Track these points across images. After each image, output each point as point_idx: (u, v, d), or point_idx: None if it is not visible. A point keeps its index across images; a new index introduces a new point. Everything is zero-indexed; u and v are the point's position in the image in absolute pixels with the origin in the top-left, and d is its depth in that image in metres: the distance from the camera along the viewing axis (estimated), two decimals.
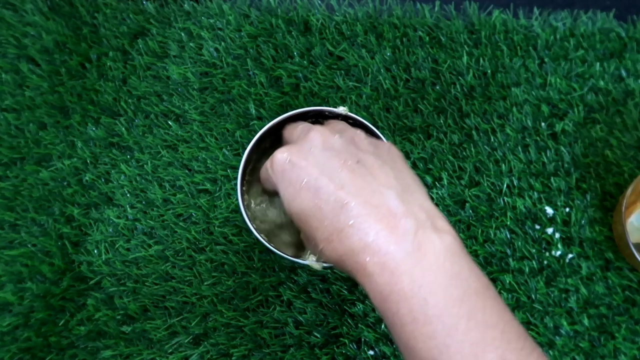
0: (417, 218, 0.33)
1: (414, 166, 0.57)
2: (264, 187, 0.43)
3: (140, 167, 0.57)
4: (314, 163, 0.36)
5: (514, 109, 0.58)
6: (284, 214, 0.52)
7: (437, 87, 0.59)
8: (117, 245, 0.55)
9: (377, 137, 0.47)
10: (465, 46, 0.59)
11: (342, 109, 0.48)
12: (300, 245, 0.52)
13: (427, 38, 0.60)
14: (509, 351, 0.29)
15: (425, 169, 0.57)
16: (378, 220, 0.32)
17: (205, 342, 0.53)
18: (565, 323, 0.53)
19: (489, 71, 0.59)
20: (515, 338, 0.30)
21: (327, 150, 0.37)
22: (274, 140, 0.53)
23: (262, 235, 0.47)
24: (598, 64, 0.59)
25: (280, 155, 0.37)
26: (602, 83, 0.58)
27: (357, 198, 0.33)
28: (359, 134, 0.40)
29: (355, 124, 0.47)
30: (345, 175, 0.35)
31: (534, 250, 0.55)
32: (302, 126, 0.42)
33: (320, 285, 0.54)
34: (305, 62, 0.59)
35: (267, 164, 0.39)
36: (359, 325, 0.53)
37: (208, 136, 0.58)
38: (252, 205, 0.53)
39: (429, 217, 0.33)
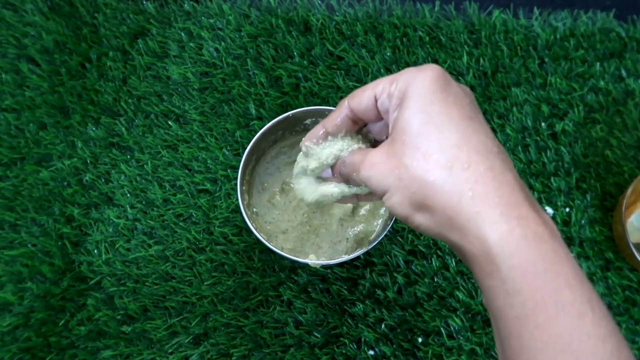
0: (529, 199, 0.29)
1: None
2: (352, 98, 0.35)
3: (140, 167, 0.57)
4: (464, 97, 0.32)
5: (514, 109, 0.58)
6: (287, 220, 0.53)
7: None
8: (117, 245, 0.55)
9: None
10: (465, 46, 0.59)
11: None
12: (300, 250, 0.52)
13: (427, 38, 0.60)
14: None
15: None
16: (522, 191, 0.29)
17: (205, 342, 0.53)
18: None
19: (489, 71, 0.59)
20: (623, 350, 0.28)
21: (465, 95, 0.32)
22: (274, 140, 0.53)
23: (262, 235, 0.47)
24: (598, 64, 0.59)
25: (436, 66, 0.32)
26: (602, 83, 0.58)
27: (506, 160, 0.30)
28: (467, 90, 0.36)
29: None
30: (485, 126, 0.31)
31: None
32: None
33: (320, 285, 0.54)
34: (305, 62, 0.59)
35: (393, 76, 0.32)
36: (359, 325, 0.53)
37: (208, 136, 0.58)
38: (256, 208, 0.53)
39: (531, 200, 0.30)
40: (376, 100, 0.33)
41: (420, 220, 0.31)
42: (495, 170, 0.29)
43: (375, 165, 0.32)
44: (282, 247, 0.52)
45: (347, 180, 0.37)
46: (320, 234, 0.52)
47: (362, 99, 0.34)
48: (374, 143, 0.38)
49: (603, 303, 0.28)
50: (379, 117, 0.34)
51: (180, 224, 0.56)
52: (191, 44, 0.60)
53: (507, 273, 0.27)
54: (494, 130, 0.58)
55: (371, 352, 0.53)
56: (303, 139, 0.38)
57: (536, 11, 0.61)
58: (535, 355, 0.27)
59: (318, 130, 0.37)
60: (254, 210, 0.53)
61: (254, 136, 0.48)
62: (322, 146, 0.37)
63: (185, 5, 0.61)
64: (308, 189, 0.40)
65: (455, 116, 0.30)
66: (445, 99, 0.30)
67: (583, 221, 0.55)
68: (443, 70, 0.31)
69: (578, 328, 0.27)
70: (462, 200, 0.28)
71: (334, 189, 0.39)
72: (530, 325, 0.27)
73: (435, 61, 0.59)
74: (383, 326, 0.53)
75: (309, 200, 0.40)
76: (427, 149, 0.29)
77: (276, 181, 0.54)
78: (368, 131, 0.38)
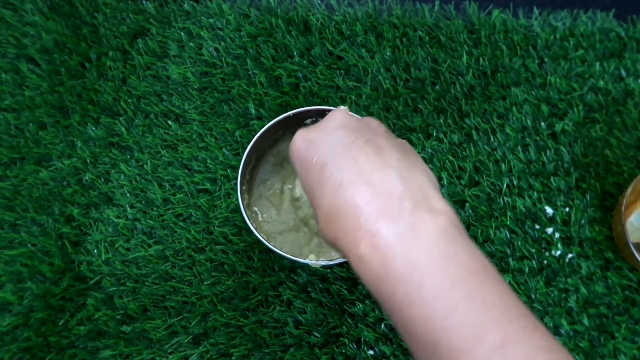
0: (414, 198, 0.32)
1: None
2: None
3: (140, 167, 0.57)
4: (327, 141, 0.36)
5: (514, 109, 0.58)
6: (290, 220, 0.53)
7: (437, 87, 0.59)
8: (117, 245, 0.55)
9: None
10: (465, 46, 0.59)
11: (342, 109, 0.48)
12: (300, 249, 0.52)
13: (427, 38, 0.60)
14: (511, 331, 0.28)
15: None
16: (374, 200, 0.32)
17: (205, 342, 0.53)
18: (565, 323, 0.53)
19: (489, 71, 0.59)
20: (517, 317, 0.29)
21: (341, 129, 0.36)
22: (274, 140, 0.53)
23: (262, 235, 0.47)
24: (598, 64, 0.59)
25: (299, 135, 0.38)
26: (602, 83, 0.58)
27: (357, 177, 0.33)
28: (379, 122, 0.40)
29: None
30: (352, 153, 0.34)
31: (534, 250, 0.55)
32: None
33: (320, 285, 0.54)
34: (305, 62, 0.59)
35: (290, 146, 0.39)
36: (359, 325, 0.53)
37: (208, 136, 0.58)
38: (256, 208, 0.53)
39: (427, 198, 0.32)
40: None
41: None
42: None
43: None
44: (281, 247, 0.52)
45: None
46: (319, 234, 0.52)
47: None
48: None
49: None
50: None
51: (180, 224, 0.56)
52: (191, 44, 0.60)
53: (366, 282, 0.34)
54: (493, 130, 0.58)
55: (371, 352, 0.53)
56: None
57: (536, 11, 0.61)
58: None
59: None
60: (254, 210, 0.53)
61: (254, 136, 0.49)
62: None
63: (185, 5, 0.61)
64: None
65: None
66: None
67: (583, 221, 0.55)
68: (304, 134, 0.38)
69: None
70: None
71: None
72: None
73: (435, 61, 0.59)
74: (383, 326, 0.53)
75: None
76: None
77: (276, 181, 0.54)
78: None
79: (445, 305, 0.29)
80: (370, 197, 0.32)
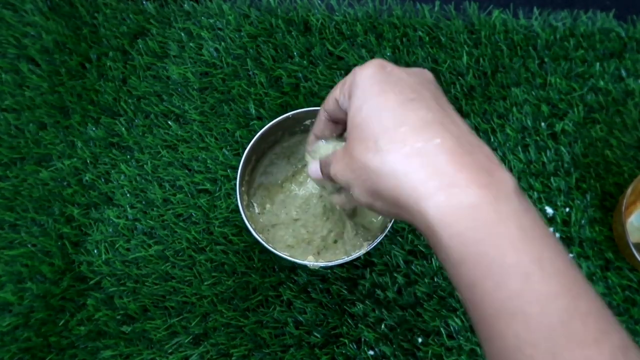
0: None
1: None
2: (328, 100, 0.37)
3: (140, 167, 0.57)
4: (414, 82, 0.32)
5: (514, 109, 0.58)
6: (288, 214, 0.53)
7: None
8: (117, 245, 0.55)
9: None
10: (465, 46, 0.59)
11: None
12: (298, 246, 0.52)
13: (427, 38, 0.60)
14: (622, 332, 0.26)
15: None
16: (471, 155, 0.29)
17: (205, 342, 0.53)
18: None
19: (489, 71, 0.59)
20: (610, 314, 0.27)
21: (429, 79, 0.33)
22: (273, 141, 0.53)
23: (260, 235, 0.47)
24: (598, 64, 0.59)
25: (375, 60, 0.33)
26: (602, 83, 0.58)
27: (454, 122, 0.30)
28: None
29: None
30: (446, 102, 0.32)
31: None
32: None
33: (320, 285, 0.54)
34: (305, 62, 0.59)
35: (347, 78, 0.34)
36: (359, 325, 0.53)
37: (208, 136, 0.58)
38: (254, 202, 0.53)
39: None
40: (338, 102, 0.36)
41: (379, 206, 0.32)
42: (432, 142, 0.29)
43: (337, 162, 0.34)
44: (281, 247, 0.52)
45: (330, 179, 0.37)
46: (319, 234, 0.52)
47: (329, 102, 0.37)
48: None
49: (560, 258, 0.27)
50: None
51: (180, 224, 0.56)
52: (191, 44, 0.60)
53: (448, 243, 0.27)
54: (493, 130, 0.58)
55: (371, 352, 0.53)
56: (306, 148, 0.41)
57: (536, 11, 0.61)
58: (492, 322, 0.27)
59: (311, 137, 0.40)
60: (252, 202, 0.53)
61: (253, 136, 0.49)
62: (317, 147, 0.40)
63: (185, 5, 0.61)
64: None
65: (392, 102, 0.31)
66: (382, 89, 0.31)
67: (583, 221, 0.55)
68: (382, 62, 0.33)
69: (525, 289, 0.26)
70: (399, 180, 0.29)
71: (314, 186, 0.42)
72: (479, 293, 0.27)
73: (435, 61, 0.59)
74: (383, 326, 0.53)
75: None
76: (368, 139, 0.31)
77: (276, 181, 0.54)
78: None
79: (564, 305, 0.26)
80: (469, 149, 0.29)
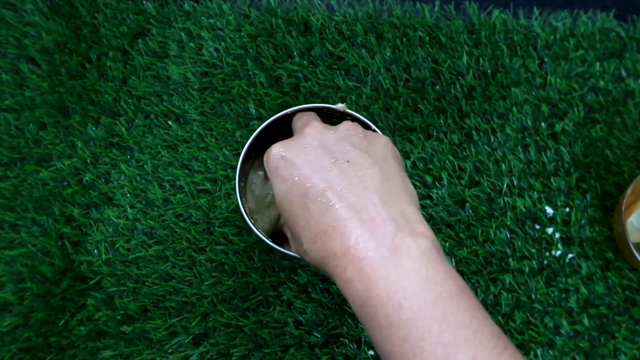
0: (397, 223, 0.33)
1: (414, 166, 0.57)
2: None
3: (140, 167, 0.57)
4: (307, 161, 0.36)
5: (514, 108, 0.58)
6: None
7: (437, 87, 0.59)
8: (117, 245, 0.55)
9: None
10: (465, 46, 0.59)
11: (340, 106, 0.48)
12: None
13: (427, 38, 0.60)
14: (480, 350, 0.30)
15: (425, 169, 0.57)
16: (359, 225, 0.33)
17: (205, 342, 0.53)
18: (565, 323, 0.53)
19: (489, 71, 0.59)
20: (488, 337, 0.30)
21: (320, 148, 0.37)
22: (273, 137, 0.53)
23: (262, 233, 0.47)
24: (598, 63, 0.59)
25: (276, 151, 0.38)
26: (602, 83, 0.58)
27: (342, 200, 0.34)
28: (356, 126, 0.40)
29: (353, 121, 0.47)
30: (335, 175, 0.35)
31: (534, 250, 0.55)
32: (305, 118, 0.42)
33: (320, 285, 0.54)
34: (305, 62, 0.59)
35: (265, 156, 0.39)
36: (359, 325, 0.53)
37: (208, 136, 0.58)
38: (256, 212, 0.53)
39: (409, 222, 0.33)
40: None
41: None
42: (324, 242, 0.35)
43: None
44: (262, 226, 0.51)
45: None
46: None
47: None
48: None
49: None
50: None
51: (180, 224, 0.56)
52: (191, 44, 0.60)
53: (353, 306, 0.34)
54: (493, 130, 0.58)
55: (371, 352, 0.53)
56: None
57: (536, 11, 0.61)
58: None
59: None
60: (255, 212, 0.53)
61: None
62: None
63: (185, 5, 0.61)
64: None
65: (291, 204, 0.37)
66: (280, 186, 0.38)
67: (583, 221, 0.55)
68: (279, 151, 0.38)
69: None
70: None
71: None
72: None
73: (435, 61, 0.59)
74: None
75: None
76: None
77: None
78: None
79: (421, 326, 0.30)
80: (357, 222, 0.33)
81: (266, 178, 0.53)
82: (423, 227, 0.34)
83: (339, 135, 0.38)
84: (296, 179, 0.36)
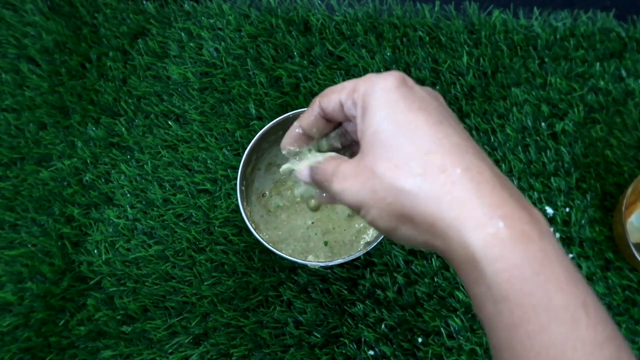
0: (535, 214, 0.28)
1: None
2: (323, 111, 0.35)
3: (140, 167, 0.57)
4: (436, 100, 0.31)
5: (514, 109, 0.58)
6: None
7: (437, 87, 0.59)
8: (117, 245, 0.55)
9: None
10: (465, 46, 0.59)
11: None
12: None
13: (427, 38, 0.60)
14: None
15: None
16: (504, 187, 0.28)
17: (205, 342, 0.53)
18: None
19: (489, 71, 0.59)
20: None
21: (431, 97, 0.31)
22: (273, 141, 0.53)
23: (261, 235, 0.47)
24: (598, 64, 0.59)
25: (396, 72, 0.31)
26: (602, 83, 0.58)
27: (484, 158, 0.29)
28: None
29: None
30: (457, 127, 0.30)
31: None
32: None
33: (320, 285, 0.54)
34: (305, 62, 0.59)
35: (357, 80, 0.32)
36: (359, 325, 0.53)
37: (208, 136, 0.58)
38: (256, 211, 0.53)
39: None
40: (342, 106, 0.33)
41: (404, 231, 0.29)
42: (472, 171, 0.28)
43: (347, 179, 0.31)
44: (281, 248, 0.52)
45: (321, 188, 0.35)
46: (318, 232, 0.52)
47: (330, 101, 0.33)
48: (351, 143, 0.37)
49: (600, 305, 0.26)
50: (349, 118, 0.34)
51: (180, 224, 0.56)
52: (191, 44, 0.60)
53: (492, 279, 0.26)
54: (493, 130, 0.58)
55: (371, 352, 0.53)
56: (282, 141, 0.36)
57: (536, 11, 0.61)
58: None
59: (294, 130, 0.36)
60: (256, 214, 0.53)
61: (254, 136, 0.49)
62: (302, 152, 0.36)
63: (185, 5, 0.61)
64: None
65: (423, 122, 0.29)
66: (409, 106, 0.29)
67: (583, 221, 0.55)
68: (404, 75, 0.31)
69: (572, 335, 0.25)
70: (441, 206, 0.27)
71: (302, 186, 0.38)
72: (521, 334, 0.25)
73: (435, 61, 0.59)
74: (383, 326, 0.53)
75: (297, 193, 0.39)
76: (399, 159, 0.28)
77: (275, 181, 0.54)
78: (345, 131, 0.36)
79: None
80: (504, 181, 0.28)
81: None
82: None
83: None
84: (425, 107, 0.30)
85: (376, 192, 0.29)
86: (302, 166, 0.35)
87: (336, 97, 0.33)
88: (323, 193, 0.38)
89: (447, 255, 0.28)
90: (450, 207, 0.27)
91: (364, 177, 0.30)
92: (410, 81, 0.31)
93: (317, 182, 0.34)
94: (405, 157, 0.28)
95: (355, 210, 0.31)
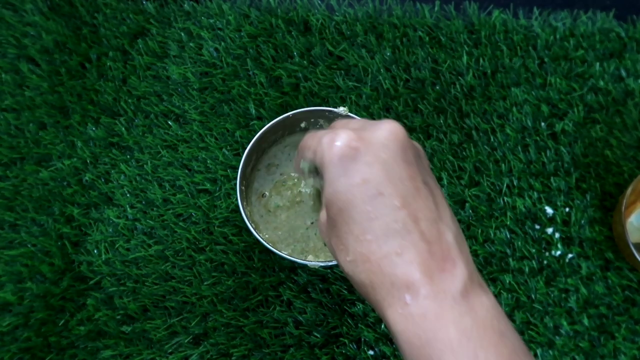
0: (469, 268, 0.31)
1: None
2: (300, 153, 0.37)
3: (140, 167, 0.57)
4: (383, 163, 0.31)
5: (514, 109, 0.58)
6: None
7: (437, 87, 0.59)
8: (117, 245, 0.55)
9: None
10: (465, 46, 0.59)
11: (342, 109, 0.48)
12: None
13: (427, 38, 0.60)
14: None
15: None
16: (430, 259, 0.30)
17: (205, 342, 0.53)
18: (565, 323, 0.53)
19: (489, 71, 0.59)
20: None
21: (400, 153, 0.31)
22: (273, 141, 0.53)
23: (261, 235, 0.47)
24: (598, 64, 0.59)
25: (346, 136, 0.31)
26: (602, 83, 0.58)
27: (416, 225, 0.30)
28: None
29: None
30: (412, 194, 0.31)
31: (533, 250, 0.55)
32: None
33: (320, 285, 0.54)
34: (305, 62, 0.59)
35: (321, 136, 0.33)
36: (359, 325, 0.53)
37: (208, 136, 0.58)
38: (256, 210, 0.53)
39: (476, 270, 0.32)
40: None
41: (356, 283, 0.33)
42: (396, 250, 0.31)
43: (322, 226, 0.34)
44: (281, 248, 0.52)
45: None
46: (318, 232, 0.52)
47: (297, 163, 0.38)
48: None
49: (498, 354, 0.29)
50: None
51: (180, 224, 0.56)
52: (191, 44, 0.60)
53: (403, 347, 0.30)
54: (493, 130, 0.58)
55: (371, 352, 0.53)
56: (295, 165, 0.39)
57: (536, 11, 0.61)
58: None
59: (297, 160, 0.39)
60: (256, 214, 0.53)
61: (253, 136, 0.49)
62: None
63: (185, 5, 0.61)
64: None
65: (358, 196, 0.31)
66: (349, 176, 0.31)
67: (583, 221, 0.55)
68: (351, 138, 0.31)
69: None
70: (368, 287, 0.31)
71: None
72: None
73: (435, 61, 0.59)
74: (383, 326, 0.53)
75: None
76: (346, 229, 0.32)
77: (275, 181, 0.54)
78: None
79: None
80: (428, 255, 0.30)
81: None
82: (482, 279, 0.32)
83: (415, 150, 0.34)
84: (365, 179, 0.30)
85: (336, 246, 0.33)
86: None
87: (299, 159, 0.37)
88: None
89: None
90: (373, 289, 0.31)
91: (330, 233, 0.34)
92: (358, 142, 0.31)
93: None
94: (346, 232, 0.32)
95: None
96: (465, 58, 0.59)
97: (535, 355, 0.53)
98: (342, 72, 0.59)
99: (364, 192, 0.30)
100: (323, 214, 0.34)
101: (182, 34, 0.60)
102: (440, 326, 0.29)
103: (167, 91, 0.59)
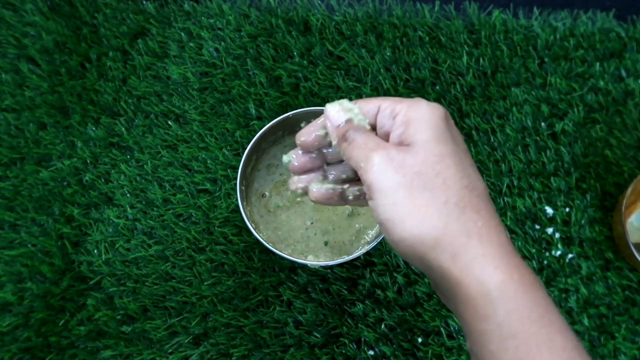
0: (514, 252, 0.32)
1: None
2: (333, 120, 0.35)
3: (140, 167, 0.57)
4: (459, 156, 0.32)
5: (514, 109, 0.58)
6: None
7: (437, 87, 0.59)
8: (117, 245, 0.55)
9: None
10: (465, 46, 0.59)
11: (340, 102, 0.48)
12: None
13: (427, 38, 0.60)
14: None
15: None
16: (498, 245, 0.30)
17: (205, 342, 0.53)
18: None
19: (489, 71, 0.59)
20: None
21: (459, 145, 0.34)
22: (273, 140, 0.53)
23: (261, 235, 0.47)
24: (598, 64, 0.59)
25: (443, 108, 0.33)
26: (602, 83, 0.58)
27: (489, 209, 0.31)
28: None
29: None
30: (475, 174, 0.33)
31: (534, 250, 0.55)
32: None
33: (320, 285, 0.54)
34: (305, 62, 0.59)
35: (398, 104, 0.33)
36: (359, 325, 0.53)
37: (208, 136, 0.58)
38: (256, 209, 0.53)
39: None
40: (378, 111, 0.34)
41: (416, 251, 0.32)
42: (496, 218, 0.31)
43: (385, 179, 0.31)
44: (281, 248, 0.52)
45: (347, 158, 0.34)
46: (318, 232, 0.52)
47: (368, 104, 0.35)
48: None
49: (585, 350, 0.30)
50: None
51: (180, 224, 0.56)
52: (191, 44, 0.60)
53: (503, 317, 0.29)
54: (493, 130, 0.58)
55: (371, 352, 0.53)
56: (297, 136, 0.37)
57: (536, 11, 0.61)
58: None
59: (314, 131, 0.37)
60: (256, 214, 0.53)
61: (253, 136, 0.49)
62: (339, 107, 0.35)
63: (185, 5, 0.61)
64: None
65: (467, 162, 0.32)
66: (455, 143, 0.32)
67: (583, 221, 0.55)
68: (447, 111, 0.34)
69: None
70: (471, 240, 0.30)
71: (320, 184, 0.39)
72: None
73: (435, 61, 0.59)
74: (383, 326, 0.53)
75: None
76: (432, 191, 0.30)
77: (275, 181, 0.54)
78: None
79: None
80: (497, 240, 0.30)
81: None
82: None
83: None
84: (458, 149, 0.32)
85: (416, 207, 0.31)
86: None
87: (375, 102, 0.35)
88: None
89: (455, 286, 0.30)
90: (477, 244, 0.30)
91: (404, 190, 0.31)
92: (450, 118, 0.34)
93: (346, 153, 0.34)
94: (448, 188, 0.31)
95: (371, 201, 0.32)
96: (465, 58, 0.59)
97: None
98: (342, 72, 0.59)
99: (468, 159, 0.33)
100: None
101: (182, 34, 0.60)
102: (547, 303, 0.30)
103: (167, 91, 0.59)
